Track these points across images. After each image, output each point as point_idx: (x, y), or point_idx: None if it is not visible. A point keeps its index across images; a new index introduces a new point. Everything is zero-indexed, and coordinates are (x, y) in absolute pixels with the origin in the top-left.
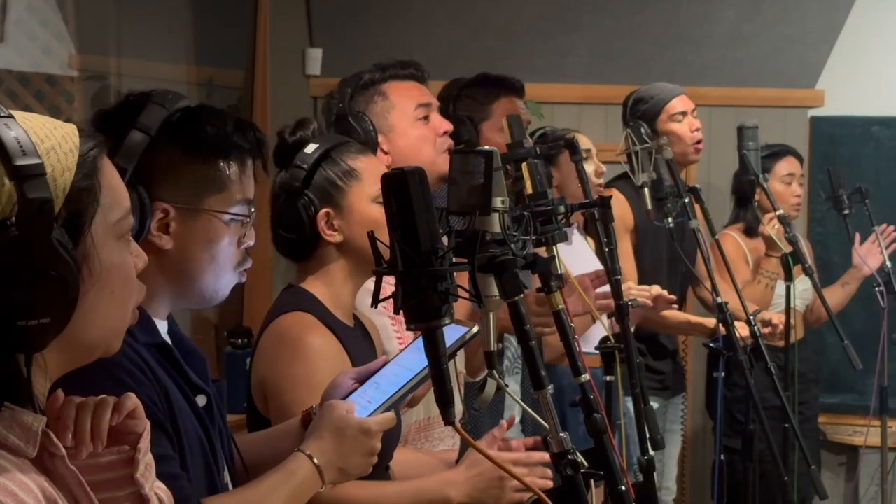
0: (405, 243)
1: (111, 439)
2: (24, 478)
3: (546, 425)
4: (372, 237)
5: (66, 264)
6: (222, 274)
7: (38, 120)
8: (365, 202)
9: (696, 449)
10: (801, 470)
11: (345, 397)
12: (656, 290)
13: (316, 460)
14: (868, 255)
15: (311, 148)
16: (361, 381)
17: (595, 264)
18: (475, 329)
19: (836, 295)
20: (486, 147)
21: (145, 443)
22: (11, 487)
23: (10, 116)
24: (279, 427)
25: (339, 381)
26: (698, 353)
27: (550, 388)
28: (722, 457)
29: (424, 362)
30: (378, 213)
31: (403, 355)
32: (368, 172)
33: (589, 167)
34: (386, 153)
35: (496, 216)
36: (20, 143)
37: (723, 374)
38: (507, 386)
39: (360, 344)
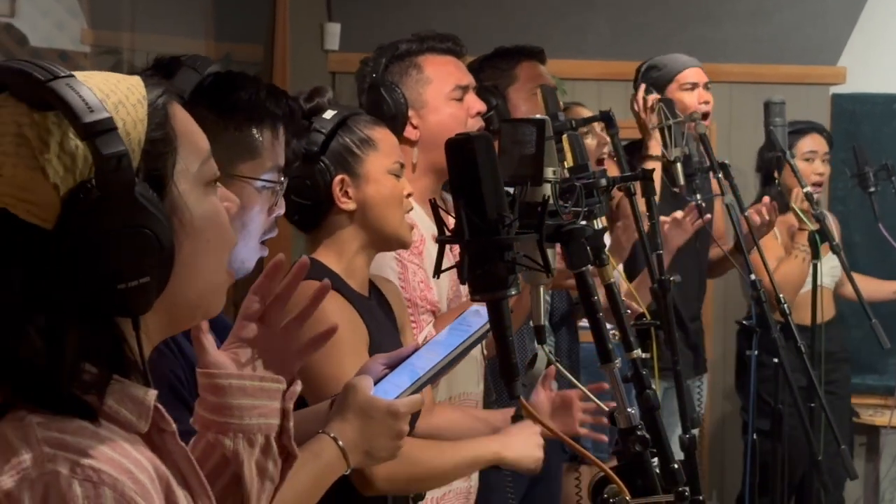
0: (471, 210)
1: None
2: (138, 455)
3: (597, 401)
4: (434, 205)
5: (156, 218)
6: (250, 242)
7: (99, 76)
8: (381, 172)
9: (718, 430)
10: (828, 450)
11: (376, 383)
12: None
13: (341, 442)
14: None
15: (329, 114)
16: (392, 366)
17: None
18: None
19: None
20: (538, 116)
21: None
22: (126, 465)
23: (71, 76)
24: (309, 409)
25: (369, 366)
26: (717, 334)
27: (618, 363)
28: (754, 436)
29: (454, 346)
30: (392, 185)
31: (434, 341)
32: (384, 143)
33: (591, 140)
34: (415, 128)
35: (548, 186)
36: (86, 101)
37: (755, 352)
38: (557, 361)
39: (376, 314)
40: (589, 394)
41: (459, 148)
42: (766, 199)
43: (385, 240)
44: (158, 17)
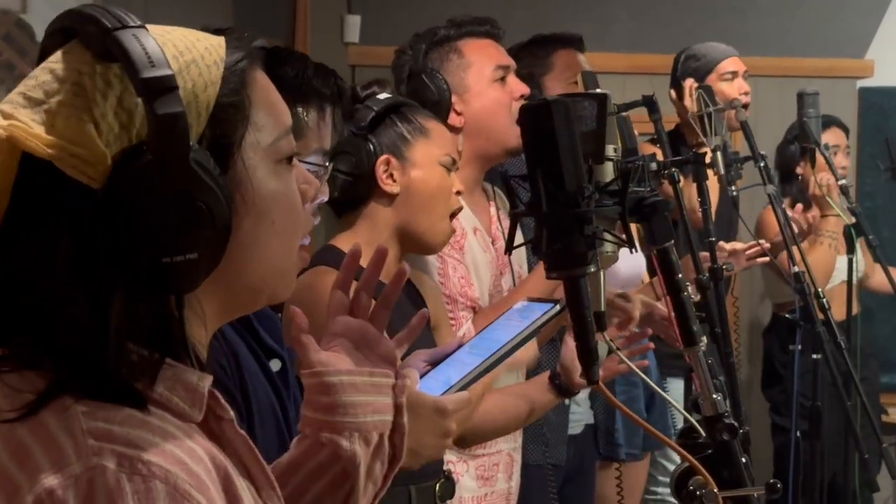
0: (549, 181)
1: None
2: (192, 444)
3: (667, 397)
4: (506, 177)
5: (211, 190)
6: None
7: (180, 32)
8: (431, 160)
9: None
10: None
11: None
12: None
13: None
14: None
15: (384, 95)
16: (434, 363)
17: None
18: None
19: None
20: (599, 90)
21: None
22: (179, 455)
23: (142, 27)
24: None
25: (409, 363)
26: (741, 332)
27: (703, 345)
28: (798, 433)
29: (500, 343)
30: (441, 176)
31: (480, 337)
32: (437, 134)
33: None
34: (459, 114)
35: (609, 165)
36: (148, 54)
37: (799, 347)
38: (618, 349)
39: (401, 306)
40: (650, 382)
41: (536, 114)
42: (799, 207)
43: (415, 237)
44: (174, 11)
